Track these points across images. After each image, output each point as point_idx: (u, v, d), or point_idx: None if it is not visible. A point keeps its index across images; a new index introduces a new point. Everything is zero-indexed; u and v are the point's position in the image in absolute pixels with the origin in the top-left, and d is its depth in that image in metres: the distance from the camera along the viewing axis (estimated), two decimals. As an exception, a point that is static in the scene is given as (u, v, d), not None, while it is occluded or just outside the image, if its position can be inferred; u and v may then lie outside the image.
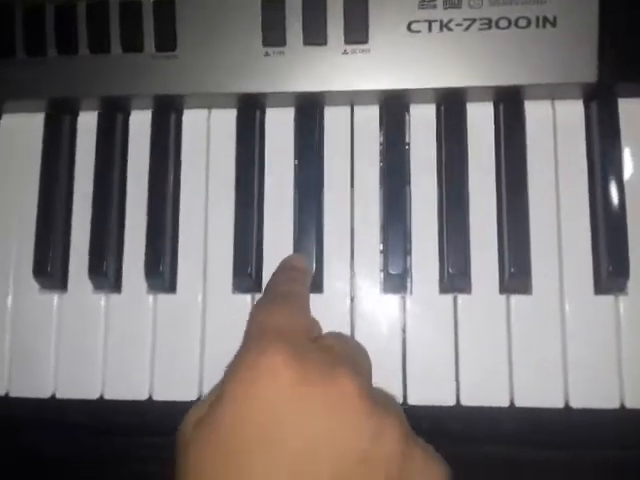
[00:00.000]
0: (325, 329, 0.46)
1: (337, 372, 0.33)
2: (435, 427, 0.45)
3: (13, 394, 0.47)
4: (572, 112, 0.47)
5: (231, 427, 0.32)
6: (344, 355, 0.36)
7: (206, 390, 0.46)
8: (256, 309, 0.38)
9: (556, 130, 0.47)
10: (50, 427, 0.47)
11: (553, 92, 0.46)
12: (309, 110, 0.48)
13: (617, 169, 0.46)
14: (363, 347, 0.41)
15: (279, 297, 0.39)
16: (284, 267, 0.44)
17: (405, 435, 0.33)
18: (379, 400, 0.34)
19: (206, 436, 0.32)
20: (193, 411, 0.34)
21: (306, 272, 0.44)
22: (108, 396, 0.47)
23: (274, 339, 0.33)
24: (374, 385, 0.38)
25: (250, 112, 0.48)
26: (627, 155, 0.46)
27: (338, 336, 0.40)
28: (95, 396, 0.47)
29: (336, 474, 0.31)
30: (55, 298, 0.48)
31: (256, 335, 0.35)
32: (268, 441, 0.31)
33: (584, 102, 0.47)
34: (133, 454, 0.47)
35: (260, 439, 0.31)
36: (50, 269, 0.47)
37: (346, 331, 0.46)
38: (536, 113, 0.47)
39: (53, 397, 0.47)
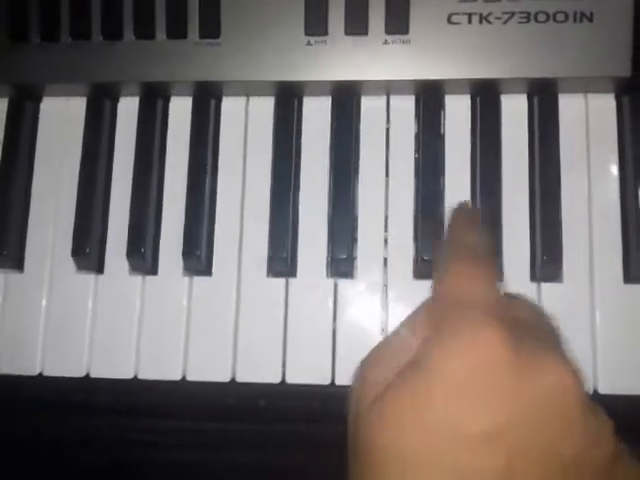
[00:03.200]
0: (359, 317, 0.47)
1: (549, 362, 0.29)
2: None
3: (47, 373, 0.48)
4: (604, 106, 0.48)
5: (442, 407, 0.28)
6: (548, 336, 0.32)
7: (238, 372, 0.47)
8: (453, 271, 0.33)
9: (588, 123, 0.48)
10: (83, 407, 0.48)
11: (586, 85, 0.47)
12: (346, 99, 0.49)
13: (647, 162, 0.47)
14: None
15: (470, 255, 0.34)
16: (466, 217, 0.39)
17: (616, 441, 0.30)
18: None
19: (405, 415, 0.28)
20: (369, 381, 0.31)
21: (478, 220, 0.40)
22: (142, 376, 0.47)
23: (488, 315, 0.29)
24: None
25: (288, 100, 0.49)
26: (657, 149, 0.47)
27: (530, 307, 0.35)
28: (129, 376, 0.47)
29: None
30: (92, 279, 0.48)
31: (464, 307, 0.30)
32: (470, 418, 0.28)
33: (616, 96, 0.48)
34: (165, 433, 0.47)
35: (461, 415, 0.28)
36: (88, 250, 0.48)
37: (378, 317, 0.47)
38: (569, 106, 0.48)
39: (87, 376, 0.47)
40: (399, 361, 0.30)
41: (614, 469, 0.29)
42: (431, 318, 0.32)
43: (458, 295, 0.31)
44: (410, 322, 0.34)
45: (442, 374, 0.28)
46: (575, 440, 0.28)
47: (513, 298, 0.35)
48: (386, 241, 0.48)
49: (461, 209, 0.41)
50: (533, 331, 0.31)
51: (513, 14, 0.45)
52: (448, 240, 0.37)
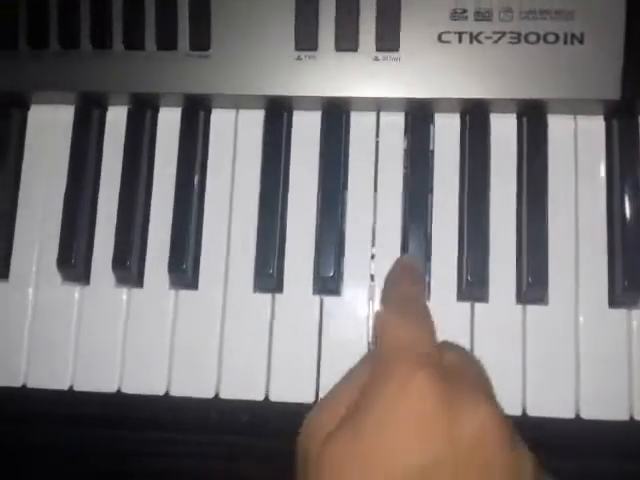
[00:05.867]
0: (344, 334, 0.47)
1: (481, 404, 0.32)
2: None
3: (30, 385, 0.47)
4: (593, 127, 0.48)
5: (377, 444, 0.31)
6: (477, 380, 0.35)
7: (223, 388, 0.46)
8: (388, 321, 0.36)
9: (577, 144, 0.48)
10: (66, 419, 0.47)
11: (576, 107, 0.47)
12: (336, 114, 0.48)
13: (635, 185, 0.46)
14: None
15: (405, 304, 0.38)
16: (402, 267, 0.42)
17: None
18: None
19: (347, 452, 0.31)
20: (315, 425, 0.33)
21: (420, 273, 0.44)
22: (126, 390, 0.47)
23: (418, 362, 0.32)
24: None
25: (278, 114, 0.49)
26: (645, 173, 0.47)
27: (460, 354, 0.37)
28: (113, 390, 0.47)
29: None
30: (77, 290, 0.48)
31: (397, 355, 0.33)
32: (415, 454, 0.30)
33: (605, 118, 0.48)
34: (148, 449, 0.47)
35: (406, 452, 0.30)
36: (74, 260, 0.47)
37: (363, 334, 0.47)
38: (558, 127, 0.48)
39: (71, 389, 0.47)
40: (344, 406, 0.33)
41: None
42: (370, 366, 0.34)
43: (395, 344, 0.34)
44: (353, 370, 0.36)
45: (378, 417, 0.31)
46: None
47: (447, 346, 0.37)
48: (373, 257, 0.48)
49: (402, 262, 0.44)
50: (463, 377, 0.34)
51: (504, 34, 0.45)
52: (386, 291, 0.41)
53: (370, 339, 0.45)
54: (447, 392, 0.31)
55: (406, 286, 0.40)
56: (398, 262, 0.44)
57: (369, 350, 0.36)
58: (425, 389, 0.31)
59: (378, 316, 0.38)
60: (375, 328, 0.36)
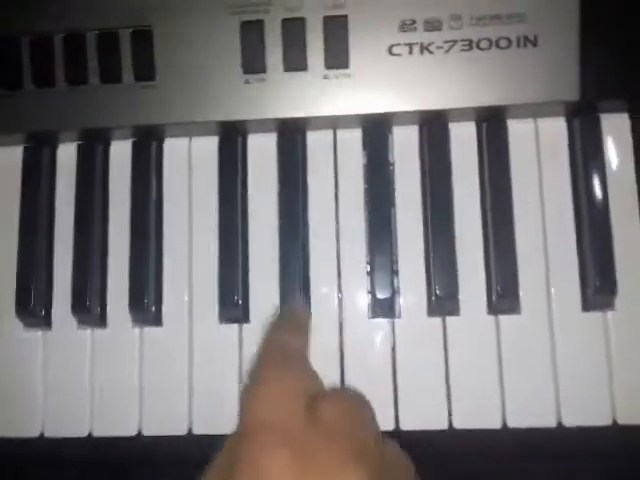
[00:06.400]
0: (313, 354, 0.46)
1: (344, 473, 0.31)
2: (427, 451, 0.45)
3: (0, 434, 0.46)
4: (555, 129, 0.47)
5: None
6: (349, 433, 0.33)
7: (196, 424, 0.45)
8: (247, 393, 0.35)
9: (539, 148, 0.47)
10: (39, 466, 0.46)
11: (536, 110, 0.46)
12: (291, 135, 0.47)
13: (601, 185, 0.45)
14: (365, 402, 0.38)
15: (274, 360, 0.37)
16: (280, 319, 0.43)
17: None
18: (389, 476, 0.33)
19: None
20: None
21: (304, 321, 0.43)
22: (97, 433, 0.46)
23: (272, 438, 0.32)
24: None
25: (232, 139, 0.48)
26: (610, 171, 0.46)
27: (339, 400, 0.36)
28: (84, 434, 0.46)
29: None
30: (39, 335, 0.47)
31: (252, 430, 0.33)
32: None
33: (566, 119, 0.47)
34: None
35: None
36: (33, 306, 0.46)
37: (335, 357, 0.46)
38: (519, 131, 0.47)
39: (42, 436, 0.46)
40: None
41: None
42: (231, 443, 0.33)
43: (255, 414, 0.33)
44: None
45: None
46: None
47: (324, 395, 0.36)
48: (340, 275, 0.47)
49: (287, 310, 0.43)
50: (333, 439, 0.32)
51: (455, 42, 0.44)
52: (261, 343, 0.40)
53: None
54: (304, 470, 0.31)
55: (283, 338, 0.39)
56: (282, 309, 0.44)
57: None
58: (272, 472, 0.30)
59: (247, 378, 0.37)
60: (242, 392, 0.36)
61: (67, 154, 0.49)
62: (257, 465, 0.31)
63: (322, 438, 0.32)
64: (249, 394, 0.35)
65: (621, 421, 0.44)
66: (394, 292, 0.45)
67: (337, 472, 0.31)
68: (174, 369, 0.46)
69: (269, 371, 0.36)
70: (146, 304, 0.46)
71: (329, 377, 0.45)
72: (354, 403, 0.36)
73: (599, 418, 0.44)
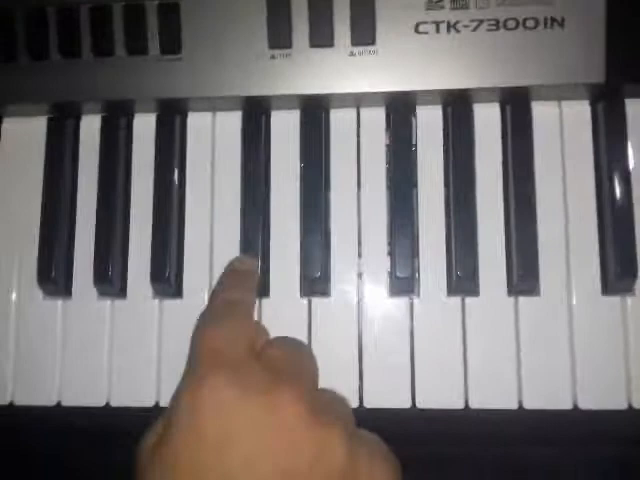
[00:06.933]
0: (332, 334, 0.46)
1: (278, 391, 0.34)
2: (443, 430, 0.45)
3: (18, 402, 0.47)
4: (579, 112, 0.47)
5: (180, 455, 0.33)
6: (287, 367, 0.36)
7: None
8: (197, 328, 0.38)
9: (563, 131, 0.47)
10: (56, 434, 0.47)
11: (560, 93, 0.46)
12: (315, 112, 0.47)
13: (624, 170, 0.45)
14: (308, 351, 0.41)
15: (220, 310, 0.40)
16: (228, 272, 0.44)
17: (349, 440, 0.34)
18: (323, 409, 0.35)
19: (159, 463, 0.33)
20: (149, 435, 0.35)
21: (251, 275, 0.44)
22: (114, 403, 0.46)
23: (214, 365, 0.34)
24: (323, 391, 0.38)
25: (255, 114, 0.48)
26: (633, 155, 0.46)
27: (282, 344, 0.39)
28: (101, 403, 0.46)
29: None
30: (59, 304, 0.47)
31: (197, 360, 0.36)
32: (215, 466, 0.32)
33: (591, 103, 0.47)
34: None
35: (207, 465, 0.32)
36: (54, 275, 0.47)
37: (353, 335, 0.46)
38: (543, 114, 0.46)
39: (59, 405, 0.46)
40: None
41: (350, 474, 0.34)
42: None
43: (201, 353, 0.36)
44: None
45: (178, 427, 0.33)
46: (300, 461, 0.33)
47: (277, 342, 0.40)
48: (360, 255, 0.47)
49: (232, 265, 0.45)
50: (281, 371, 0.36)
51: (481, 22, 0.44)
52: (211, 296, 0.42)
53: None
54: (243, 392, 0.33)
55: (228, 293, 0.41)
56: (230, 264, 0.45)
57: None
58: (216, 391, 0.33)
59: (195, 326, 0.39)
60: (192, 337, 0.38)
61: (91, 126, 0.49)
62: (194, 392, 0.33)
63: (261, 368, 0.35)
64: (197, 333, 0.37)
65: (636, 405, 0.44)
66: (414, 271, 0.46)
67: (271, 391, 0.34)
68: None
69: (221, 315, 0.39)
70: (167, 277, 0.46)
71: (347, 353, 0.45)
72: (297, 350, 0.40)
73: (615, 402, 0.44)
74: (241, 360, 0.35)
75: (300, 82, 0.46)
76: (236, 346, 0.36)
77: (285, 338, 0.40)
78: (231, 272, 0.44)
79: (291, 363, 0.37)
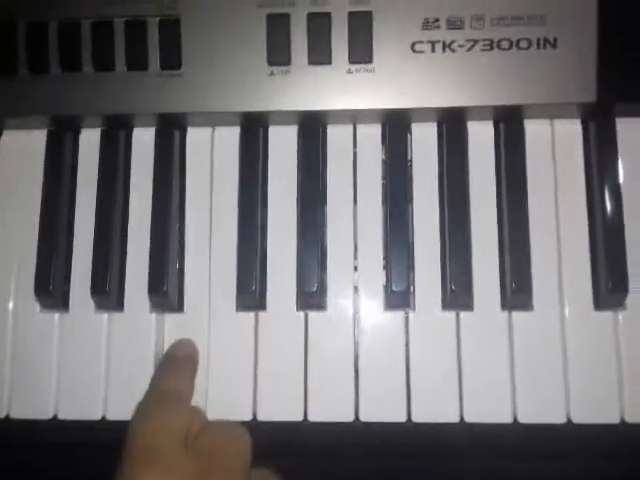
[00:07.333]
0: (330, 349, 0.46)
1: None
2: (437, 444, 0.46)
3: (14, 416, 0.47)
4: (571, 131, 0.48)
5: None
6: (218, 454, 0.39)
7: (209, 409, 0.46)
8: (131, 421, 0.40)
9: (555, 149, 0.48)
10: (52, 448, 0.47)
11: (552, 111, 0.47)
12: (312, 128, 0.48)
13: (615, 187, 0.46)
14: (240, 433, 0.41)
15: (154, 401, 0.42)
16: (164, 360, 0.46)
17: None
18: None
19: None
20: None
21: (187, 361, 0.46)
22: (110, 417, 0.46)
23: (147, 464, 0.37)
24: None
25: (253, 130, 0.48)
26: (624, 174, 0.47)
27: (216, 429, 0.41)
28: (98, 417, 0.46)
29: None
30: (56, 317, 0.48)
31: (132, 458, 0.38)
32: None
33: (582, 121, 0.48)
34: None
35: None
36: (52, 288, 0.47)
37: (349, 349, 0.46)
38: (535, 132, 0.48)
39: (55, 418, 0.46)
40: None
41: None
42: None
43: (133, 444, 0.39)
44: None
45: None
46: None
47: (204, 427, 0.41)
48: (356, 269, 0.47)
49: (174, 351, 0.46)
50: (211, 462, 0.38)
51: (476, 42, 0.45)
52: (152, 379, 0.45)
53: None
54: None
55: (165, 382, 0.43)
56: (168, 350, 0.46)
57: None
58: None
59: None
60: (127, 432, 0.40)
61: (90, 139, 0.49)
62: None
63: (193, 460, 0.38)
64: (131, 428, 0.40)
65: (629, 419, 0.45)
66: (409, 285, 0.46)
67: None
68: (190, 355, 0.46)
69: (154, 408, 0.41)
70: (164, 290, 0.46)
71: (343, 367, 0.46)
72: (229, 434, 0.41)
73: (607, 416, 0.45)
74: (173, 454, 0.38)
75: (298, 98, 0.46)
76: (168, 440, 0.39)
77: (220, 423, 0.42)
78: (168, 360, 0.45)
79: (222, 450, 0.39)
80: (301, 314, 0.47)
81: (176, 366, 0.45)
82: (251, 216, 0.47)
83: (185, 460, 0.38)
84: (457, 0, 0.45)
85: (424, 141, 0.48)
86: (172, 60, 0.46)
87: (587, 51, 0.45)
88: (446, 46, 0.45)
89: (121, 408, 0.46)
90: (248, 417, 0.45)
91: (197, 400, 0.45)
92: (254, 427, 0.45)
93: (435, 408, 0.45)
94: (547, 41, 0.45)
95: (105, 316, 0.47)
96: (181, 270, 0.48)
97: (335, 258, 0.47)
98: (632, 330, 0.45)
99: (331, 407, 0.45)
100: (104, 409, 0.46)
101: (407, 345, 0.46)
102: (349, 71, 0.46)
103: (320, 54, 0.46)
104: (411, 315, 0.46)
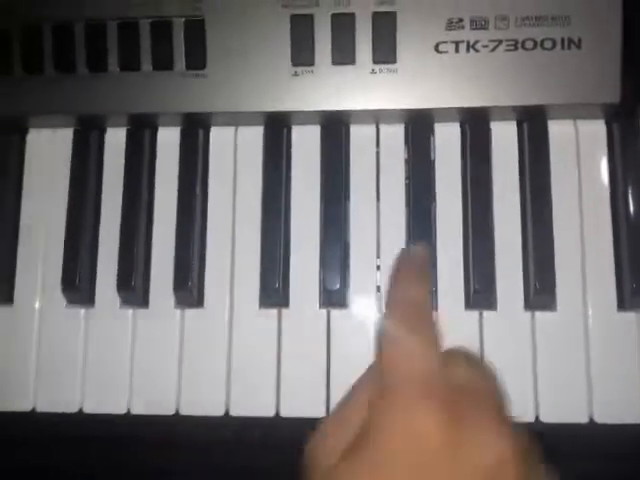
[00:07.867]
0: (352, 347, 0.46)
1: (487, 436, 0.30)
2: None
3: (40, 409, 0.47)
4: (594, 131, 0.48)
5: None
6: (487, 401, 0.32)
7: (233, 405, 0.46)
8: (390, 338, 0.33)
9: (579, 149, 0.47)
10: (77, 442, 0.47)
11: (576, 112, 0.47)
12: (335, 128, 0.48)
13: (638, 187, 0.46)
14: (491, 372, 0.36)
15: (409, 312, 0.34)
16: (406, 264, 0.37)
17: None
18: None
19: None
20: (320, 451, 0.32)
21: (428, 266, 0.38)
22: (135, 411, 0.47)
23: (422, 392, 0.31)
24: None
25: (277, 129, 0.49)
26: (648, 173, 0.47)
27: (468, 370, 0.34)
28: (122, 411, 0.47)
29: None
30: (82, 313, 0.48)
31: (399, 383, 0.31)
32: None
33: (606, 122, 0.48)
34: (160, 469, 0.47)
35: None
36: (78, 283, 0.47)
37: (371, 346, 0.46)
38: (559, 132, 0.47)
39: (80, 412, 0.47)
40: (349, 429, 0.31)
41: None
42: (373, 388, 0.32)
43: (396, 367, 0.32)
44: (357, 387, 0.34)
45: (380, 455, 0.29)
46: None
47: (454, 358, 0.34)
48: (379, 268, 0.48)
49: (405, 257, 0.38)
50: (471, 397, 0.31)
51: (500, 42, 0.45)
52: (389, 294, 0.36)
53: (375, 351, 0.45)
54: (454, 426, 0.30)
55: (409, 289, 0.35)
56: (401, 256, 0.38)
57: (374, 362, 0.35)
58: (428, 424, 0.30)
59: (380, 329, 0.36)
60: (378, 341, 0.35)
61: (116, 138, 0.50)
62: (408, 418, 0.30)
63: (468, 399, 0.31)
64: (388, 347, 0.33)
65: (651, 420, 0.45)
66: (431, 284, 0.46)
67: (484, 428, 0.30)
68: (213, 351, 0.47)
69: (403, 325, 0.33)
70: (189, 286, 0.47)
71: (366, 364, 0.46)
72: (482, 372, 0.35)
73: (631, 416, 0.45)
74: (440, 384, 0.31)
75: (322, 98, 0.47)
76: (435, 362, 0.32)
77: (467, 357, 0.35)
78: (406, 266, 0.37)
79: (484, 390, 0.33)
80: (324, 311, 0.47)
81: (417, 271, 0.37)
82: (274, 214, 0.48)
83: (448, 385, 0.31)
84: (481, 0, 0.45)
85: (447, 141, 0.48)
86: (197, 60, 0.47)
87: (611, 52, 0.45)
88: (470, 46, 0.45)
89: (145, 402, 0.47)
90: (271, 413, 0.46)
91: (218, 397, 0.46)
92: (275, 424, 0.45)
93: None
94: (571, 41, 0.45)
95: (130, 312, 0.48)
96: (204, 267, 0.48)
97: (358, 257, 0.48)
98: (656, 331, 0.45)
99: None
100: (129, 403, 0.47)
101: (428, 344, 0.46)
102: (373, 71, 0.46)
103: (344, 54, 0.46)
104: (434, 314, 0.46)
